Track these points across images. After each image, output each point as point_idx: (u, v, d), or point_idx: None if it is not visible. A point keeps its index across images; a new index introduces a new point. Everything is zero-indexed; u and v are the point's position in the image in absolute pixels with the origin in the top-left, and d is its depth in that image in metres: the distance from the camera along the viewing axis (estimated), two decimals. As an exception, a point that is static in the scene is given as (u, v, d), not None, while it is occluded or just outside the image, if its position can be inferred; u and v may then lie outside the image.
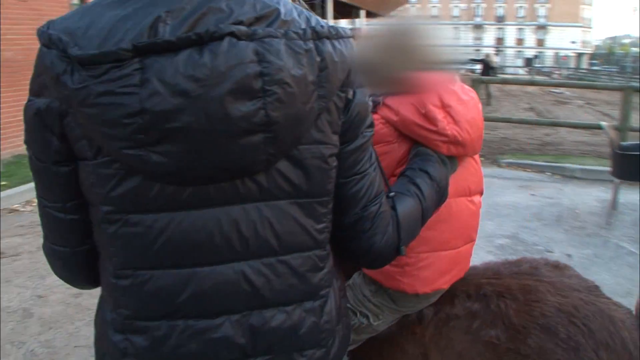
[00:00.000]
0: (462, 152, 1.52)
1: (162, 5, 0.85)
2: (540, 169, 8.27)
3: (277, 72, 0.86)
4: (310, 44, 0.91)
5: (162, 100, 0.81)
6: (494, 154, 9.09)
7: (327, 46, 0.93)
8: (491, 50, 31.39)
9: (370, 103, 1.08)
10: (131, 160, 0.86)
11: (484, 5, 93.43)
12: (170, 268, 0.95)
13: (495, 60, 20.57)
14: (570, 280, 1.67)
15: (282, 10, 0.91)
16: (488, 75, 16.57)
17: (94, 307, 1.11)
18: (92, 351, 1.09)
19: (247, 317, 0.99)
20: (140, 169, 0.87)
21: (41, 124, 0.92)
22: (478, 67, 18.07)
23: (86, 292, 3.68)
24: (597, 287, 1.69)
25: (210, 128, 0.84)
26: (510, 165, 8.57)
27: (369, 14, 21.83)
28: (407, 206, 1.20)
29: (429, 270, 1.58)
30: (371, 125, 1.08)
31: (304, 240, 1.01)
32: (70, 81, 0.83)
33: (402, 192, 1.24)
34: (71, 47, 0.83)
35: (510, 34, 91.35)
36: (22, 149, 9.30)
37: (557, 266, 1.78)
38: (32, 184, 1.33)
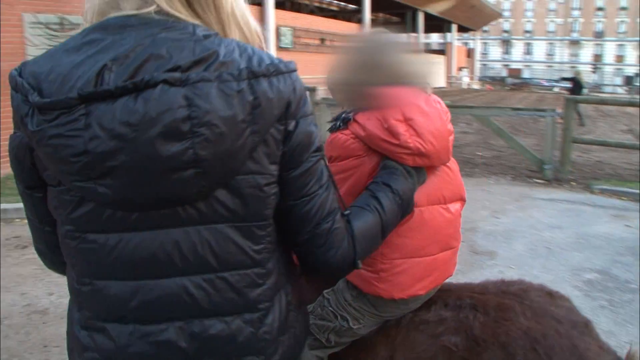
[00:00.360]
0: (428, 163, 1.56)
1: (110, 53, 0.97)
2: (637, 198, 7.67)
3: (204, 115, 0.95)
4: (244, 84, 0.99)
5: (101, 143, 0.94)
6: (586, 179, 8.64)
7: (263, 85, 1.02)
8: (588, 68, 30.09)
9: (314, 129, 1.15)
10: (81, 191, 1.01)
11: (581, 20, 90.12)
12: (121, 280, 1.08)
13: (585, 77, 19.71)
14: (556, 310, 1.63)
15: (222, 52, 1.00)
16: (578, 94, 15.88)
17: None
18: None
19: (189, 325, 1.10)
20: (90, 198, 1.01)
21: (17, 155, 1.11)
22: (568, 84, 17.42)
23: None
24: (586, 325, 1.62)
25: (144, 166, 0.96)
26: (603, 192, 8.08)
27: (461, 28, 21.35)
28: (365, 221, 1.30)
29: (404, 276, 1.63)
30: (318, 150, 1.15)
31: (242, 260, 1.11)
32: (30, 124, 0.97)
33: (362, 207, 1.34)
34: (31, 94, 0.96)
35: (610, 51, 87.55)
36: None
37: (550, 294, 1.73)
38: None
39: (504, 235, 5.96)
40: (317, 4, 42.71)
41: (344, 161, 1.60)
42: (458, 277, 1.96)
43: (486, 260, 5.19)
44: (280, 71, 1.06)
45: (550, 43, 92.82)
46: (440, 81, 52.48)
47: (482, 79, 70.12)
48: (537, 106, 21.75)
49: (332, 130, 1.64)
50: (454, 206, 1.73)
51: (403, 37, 1.62)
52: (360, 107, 1.55)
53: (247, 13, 1.18)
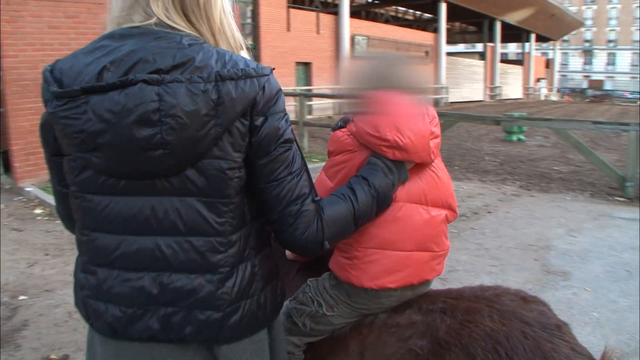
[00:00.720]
0: (407, 157, 1.67)
1: (111, 56, 1.25)
2: None
3: (170, 108, 1.21)
4: (209, 86, 1.23)
5: (93, 125, 1.23)
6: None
7: (228, 86, 1.24)
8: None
9: (284, 124, 1.36)
10: (81, 160, 1.31)
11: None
12: (109, 233, 1.35)
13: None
14: (526, 313, 1.65)
15: (199, 58, 1.25)
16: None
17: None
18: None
19: (160, 276, 1.34)
20: (88, 166, 1.31)
21: (43, 129, 1.43)
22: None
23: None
24: (558, 327, 1.62)
25: (123, 144, 1.24)
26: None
27: (540, 38, 20.71)
28: (336, 209, 1.49)
29: (376, 266, 1.71)
30: (286, 141, 1.36)
31: (206, 229, 1.33)
32: (50, 107, 1.28)
33: (337, 196, 1.54)
34: (51, 85, 1.27)
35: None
36: None
37: (524, 298, 1.75)
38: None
39: (579, 255, 5.67)
40: (392, 13, 42.56)
41: (338, 155, 1.77)
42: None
43: (560, 281, 4.96)
44: (248, 75, 1.28)
45: (636, 53, 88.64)
46: (517, 92, 51.17)
47: (561, 91, 68.07)
48: (620, 119, 20.77)
49: (334, 129, 1.82)
50: (437, 211, 1.78)
51: (404, 54, 1.88)
52: (360, 110, 1.75)
53: (233, 25, 1.43)
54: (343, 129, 1.78)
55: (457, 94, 38.42)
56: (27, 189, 8.66)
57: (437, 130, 1.79)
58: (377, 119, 1.67)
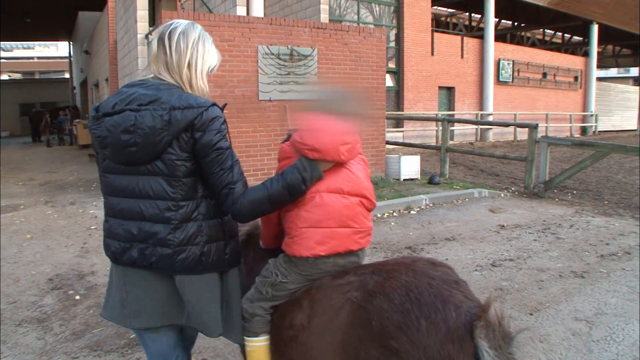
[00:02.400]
0: (322, 157, 2.29)
1: (121, 97, 2.22)
2: None
3: (140, 124, 2.13)
4: (164, 112, 2.13)
5: (103, 132, 2.21)
6: None
7: (176, 113, 2.13)
8: None
9: (216, 137, 2.19)
10: (101, 154, 2.28)
11: None
12: (114, 197, 2.29)
13: None
14: (433, 272, 2.18)
15: (164, 97, 2.16)
16: None
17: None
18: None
19: (139, 223, 2.24)
20: (106, 157, 2.26)
21: (91, 137, 2.34)
22: None
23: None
24: (458, 282, 2.16)
25: (116, 144, 2.18)
26: None
27: None
28: (256, 193, 2.25)
29: (309, 240, 2.35)
30: (218, 148, 2.19)
31: (164, 195, 2.20)
32: (90, 124, 2.31)
33: (262, 184, 2.28)
34: (92, 111, 2.29)
35: None
36: None
37: (434, 263, 2.30)
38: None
39: None
40: (539, 36, 41.14)
41: (282, 160, 2.46)
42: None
43: None
44: (191, 107, 2.15)
45: None
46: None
47: None
48: None
49: (283, 142, 2.52)
50: (353, 199, 2.40)
51: (347, 90, 2.51)
52: (297, 126, 2.41)
53: (199, 79, 2.32)
54: (287, 142, 2.47)
55: (607, 123, 36.24)
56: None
57: (350, 139, 2.38)
58: (304, 132, 2.33)
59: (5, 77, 55.46)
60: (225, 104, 2.39)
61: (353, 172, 2.43)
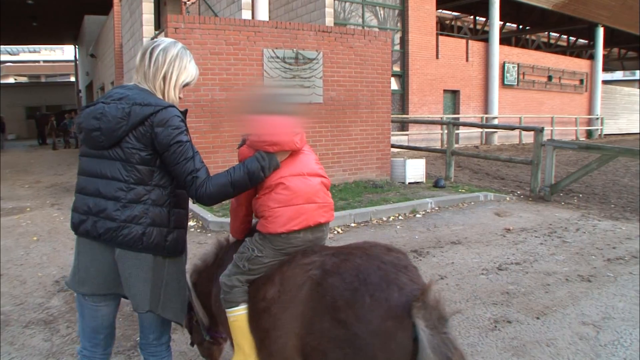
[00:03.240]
0: (280, 149, 2.66)
1: (106, 95, 2.64)
2: None
3: (106, 114, 2.51)
4: (125, 106, 2.50)
5: (80, 119, 2.62)
6: None
7: (136, 108, 2.48)
8: None
9: (172, 132, 2.50)
10: (79, 139, 2.68)
11: None
12: (83, 176, 2.62)
13: None
14: (386, 257, 2.45)
15: (131, 95, 2.54)
16: None
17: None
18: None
19: (95, 198, 2.55)
20: (82, 142, 2.65)
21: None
22: None
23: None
24: (407, 267, 2.41)
25: (87, 129, 2.56)
26: None
27: None
28: (220, 178, 2.57)
29: (281, 218, 2.67)
30: (178, 142, 2.50)
31: (119, 177, 2.51)
32: (78, 115, 2.80)
33: (225, 172, 2.60)
34: (83, 107, 2.72)
35: None
36: (332, 179, 10.29)
37: (389, 249, 2.58)
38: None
39: None
40: (544, 39, 41.08)
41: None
42: None
43: None
44: (149, 104, 2.49)
45: None
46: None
47: None
48: None
49: (239, 147, 2.84)
50: (312, 178, 2.78)
51: (283, 90, 2.99)
52: (251, 129, 2.72)
53: (172, 91, 2.68)
54: (244, 146, 2.79)
55: (613, 126, 36.17)
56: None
57: (299, 129, 2.75)
58: (260, 131, 2.67)
59: (11, 80, 55.71)
60: (187, 110, 2.75)
61: (307, 157, 2.84)
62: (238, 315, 2.76)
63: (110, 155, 2.52)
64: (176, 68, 2.65)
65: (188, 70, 2.70)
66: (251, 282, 2.78)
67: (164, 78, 2.63)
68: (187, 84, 2.74)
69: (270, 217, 2.68)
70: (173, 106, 2.54)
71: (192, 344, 3.54)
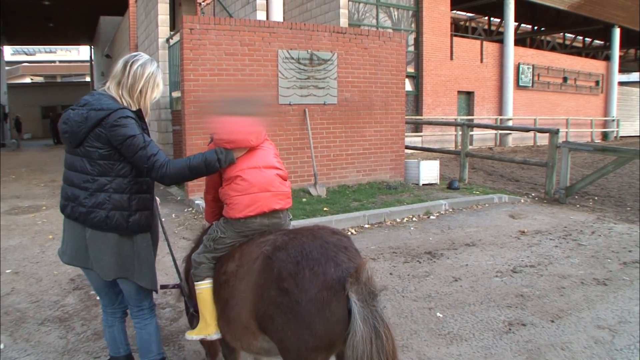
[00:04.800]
0: (236, 145, 3.07)
1: (75, 105, 3.10)
2: None
3: (70, 118, 3.03)
4: (85, 111, 2.99)
5: (59, 124, 3.14)
6: None
7: (92, 113, 2.96)
8: None
9: (123, 131, 2.95)
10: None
11: None
12: (65, 169, 3.14)
13: None
14: (329, 238, 2.78)
15: (93, 101, 3.02)
16: None
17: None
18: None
19: (71, 188, 3.10)
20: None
21: None
22: None
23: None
24: (347, 248, 2.75)
25: (60, 131, 3.10)
26: None
27: None
28: (179, 162, 3.03)
29: (240, 205, 3.06)
30: (130, 137, 2.94)
31: (85, 171, 3.03)
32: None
33: (185, 158, 3.08)
34: (70, 109, 3.19)
35: None
36: (346, 180, 10.30)
37: (334, 231, 2.90)
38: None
39: None
40: (559, 40, 40.79)
41: None
42: None
43: None
44: (102, 109, 2.95)
45: None
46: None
47: None
48: None
49: (209, 144, 3.25)
50: (269, 171, 3.15)
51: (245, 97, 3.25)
52: (215, 129, 3.11)
53: (146, 102, 3.18)
54: (211, 144, 3.19)
55: (629, 128, 35.83)
56: (197, 201, 9.59)
57: (255, 129, 3.13)
58: (221, 131, 3.07)
59: (27, 80, 56.18)
60: (140, 109, 3.21)
61: (264, 152, 3.22)
62: (203, 288, 3.18)
63: (78, 152, 3.04)
64: (151, 85, 3.15)
65: (159, 87, 3.22)
66: (217, 260, 3.22)
67: (141, 92, 3.13)
68: (155, 99, 3.27)
69: (231, 204, 3.10)
70: (123, 108, 3.02)
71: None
